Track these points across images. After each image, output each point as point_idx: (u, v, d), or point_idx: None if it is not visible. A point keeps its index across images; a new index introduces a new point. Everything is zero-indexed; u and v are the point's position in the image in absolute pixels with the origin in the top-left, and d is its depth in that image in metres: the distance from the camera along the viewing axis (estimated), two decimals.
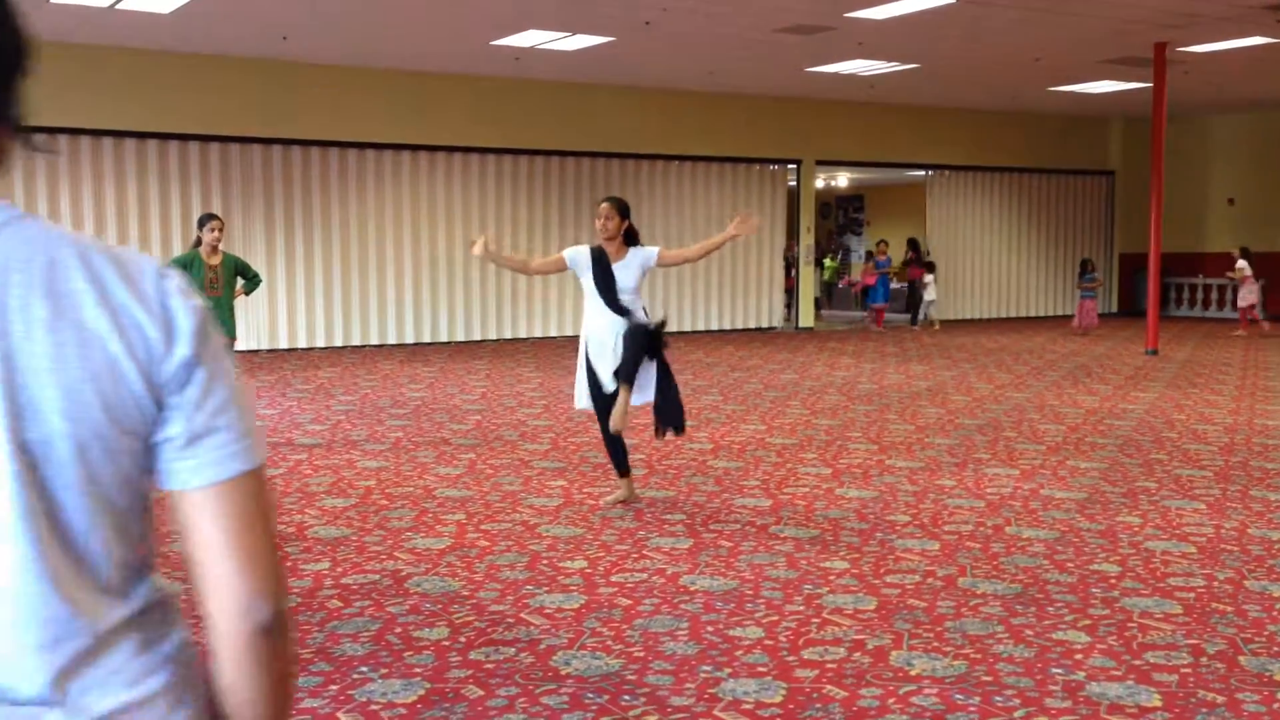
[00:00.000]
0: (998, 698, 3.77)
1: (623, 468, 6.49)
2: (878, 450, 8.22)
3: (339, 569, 5.24)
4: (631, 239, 6.44)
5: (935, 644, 4.30)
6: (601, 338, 6.31)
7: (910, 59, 14.83)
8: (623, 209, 6.38)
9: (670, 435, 6.50)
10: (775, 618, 4.61)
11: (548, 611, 4.67)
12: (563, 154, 16.81)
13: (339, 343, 15.17)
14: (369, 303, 15.46)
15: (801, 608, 4.73)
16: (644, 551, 5.56)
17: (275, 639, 1.09)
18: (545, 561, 5.37)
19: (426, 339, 15.80)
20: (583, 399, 6.43)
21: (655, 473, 7.36)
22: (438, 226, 15.91)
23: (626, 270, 6.34)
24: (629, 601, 4.79)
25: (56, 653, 1.00)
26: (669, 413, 6.39)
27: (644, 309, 6.43)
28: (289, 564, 5.29)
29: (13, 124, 1.05)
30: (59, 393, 0.99)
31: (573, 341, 16.20)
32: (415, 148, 15.63)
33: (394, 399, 10.52)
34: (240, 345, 13.82)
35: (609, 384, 6.27)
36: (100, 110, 13.34)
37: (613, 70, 15.29)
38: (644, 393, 6.33)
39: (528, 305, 16.68)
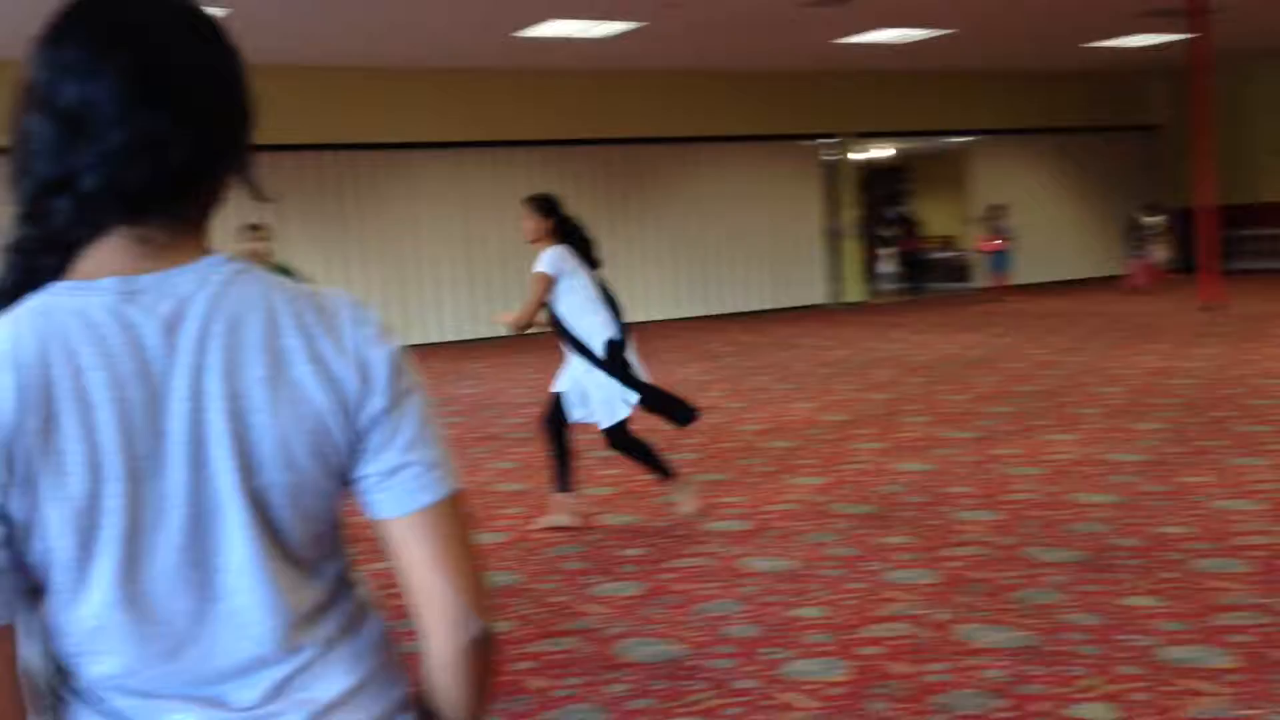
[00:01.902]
0: (1067, 668, 3.71)
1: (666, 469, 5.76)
2: (933, 422, 8.14)
3: None
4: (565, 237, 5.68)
5: (1000, 616, 4.25)
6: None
7: (944, 24, 14.64)
8: (543, 205, 5.71)
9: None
10: (836, 596, 4.58)
11: (607, 600, 4.67)
12: (598, 142, 16.79)
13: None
14: (418, 301, 15.56)
15: (862, 585, 4.69)
16: (701, 536, 5.54)
17: (485, 649, 1.18)
18: (603, 551, 5.38)
19: (468, 335, 15.87)
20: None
21: (710, 456, 7.34)
22: (480, 222, 15.95)
23: None
24: (688, 587, 4.78)
25: (285, 660, 1.12)
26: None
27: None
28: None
29: (244, 175, 1.16)
30: (277, 446, 1.09)
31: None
32: (455, 145, 15.68)
33: (447, 396, 10.58)
34: None
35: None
36: None
37: (643, 55, 15.24)
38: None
39: None
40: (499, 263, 16.07)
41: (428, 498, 1.15)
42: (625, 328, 5.72)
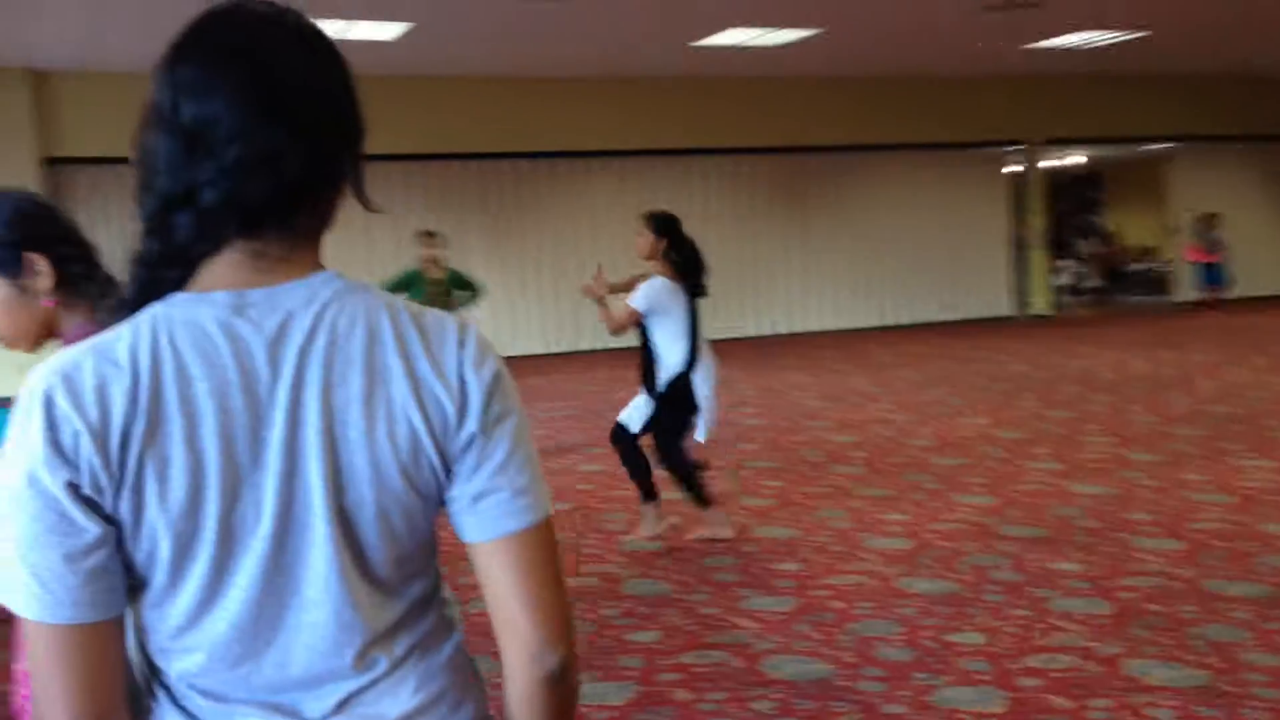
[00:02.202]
0: (1244, 710, 3.46)
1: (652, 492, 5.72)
2: (1117, 443, 7.75)
3: None
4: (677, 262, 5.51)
5: (1175, 651, 4.00)
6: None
7: (1138, 26, 13.97)
8: (659, 223, 5.54)
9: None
10: (997, 623, 4.39)
11: (759, 614, 4.60)
12: (772, 150, 16.66)
13: (556, 349, 15.50)
14: (580, 309, 15.71)
15: (1026, 612, 4.49)
16: (859, 553, 5.40)
17: (562, 684, 1.16)
18: (758, 564, 5.30)
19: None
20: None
21: (876, 471, 7.17)
22: None
23: None
24: (842, 605, 4.66)
25: (356, 675, 1.13)
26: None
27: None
28: None
29: (355, 187, 1.19)
30: (368, 464, 1.09)
31: (790, 340, 16.05)
32: (627, 153, 15.80)
33: (612, 403, 10.63)
34: None
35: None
36: None
37: (820, 62, 15.05)
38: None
39: (741, 304, 16.61)
40: None
41: (512, 524, 1.14)
42: (694, 365, 5.59)
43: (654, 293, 5.46)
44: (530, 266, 15.44)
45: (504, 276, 15.29)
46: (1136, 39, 14.64)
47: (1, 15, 10.08)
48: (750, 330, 16.62)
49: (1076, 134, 18.60)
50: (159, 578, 1.07)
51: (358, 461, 1.09)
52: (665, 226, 5.56)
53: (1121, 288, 21.70)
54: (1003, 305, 18.32)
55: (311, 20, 1.14)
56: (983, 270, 18.21)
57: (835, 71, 15.92)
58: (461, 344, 1.15)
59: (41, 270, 1.82)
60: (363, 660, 1.13)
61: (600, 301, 5.65)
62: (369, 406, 1.10)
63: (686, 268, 5.53)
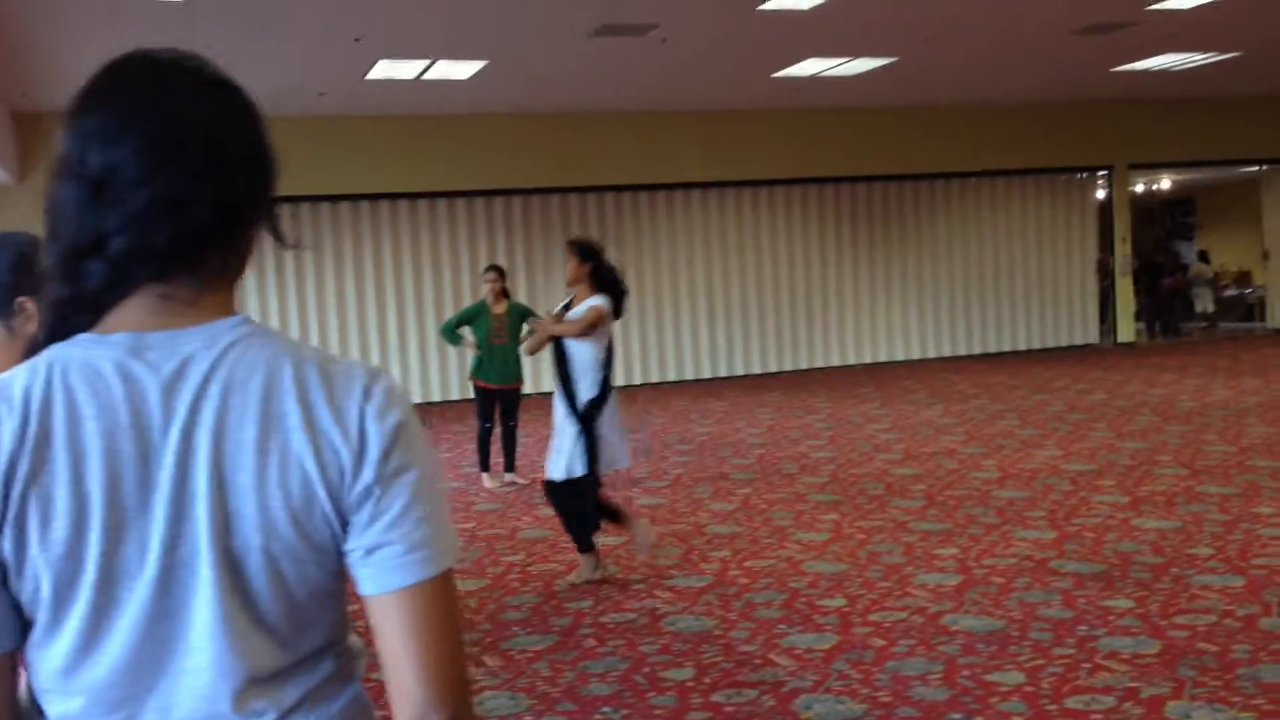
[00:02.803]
0: None
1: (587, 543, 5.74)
2: (1188, 475, 7.55)
3: (600, 607, 5.34)
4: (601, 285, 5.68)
5: (1222, 693, 3.89)
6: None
7: (1230, 47, 13.64)
8: (582, 250, 5.75)
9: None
10: (1041, 661, 4.31)
11: (797, 652, 4.57)
12: (853, 180, 16.58)
13: (637, 380, 15.56)
14: (664, 339, 15.78)
15: (1072, 651, 4.40)
16: (908, 589, 5.34)
17: None
18: (803, 599, 5.27)
19: (721, 373, 15.94)
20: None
21: (933, 504, 7.08)
22: (729, 261, 16.04)
23: None
24: (883, 642, 4.62)
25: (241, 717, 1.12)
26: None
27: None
28: (554, 603, 5.45)
29: (270, 226, 1.21)
30: (257, 510, 1.09)
31: (870, 370, 15.90)
32: (704, 185, 15.86)
33: (682, 435, 10.67)
34: (531, 387, 14.41)
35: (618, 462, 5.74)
36: (413, 174, 14.37)
37: (898, 91, 14.97)
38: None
39: (824, 335, 16.52)
40: (747, 301, 16.10)
41: (404, 579, 1.12)
42: (607, 396, 5.64)
43: (608, 309, 5.63)
44: None
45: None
46: (1228, 60, 14.30)
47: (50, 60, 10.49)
48: (833, 360, 16.51)
49: (1165, 158, 18.20)
50: (41, 617, 1.09)
51: (246, 508, 1.09)
52: (589, 253, 5.75)
53: (1212, 315, 21.05)
54: (1088, 333, 17.95)
55: (215, 66, 1.17)
56: (1068, 298, 17.87)
57: (915, 99, 15.81)
58: (367, 393, 1.14)
59: (30, 313, 1.90)
60: (246, 708, 1.11)
61: (549, 333, 5.77)
62: (261, 453, 1.09)
63: (611, 291, 5.69)
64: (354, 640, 1.23)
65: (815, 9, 10.23)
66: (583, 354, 5.63)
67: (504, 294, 8.50)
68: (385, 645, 1.13)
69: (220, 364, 1.12)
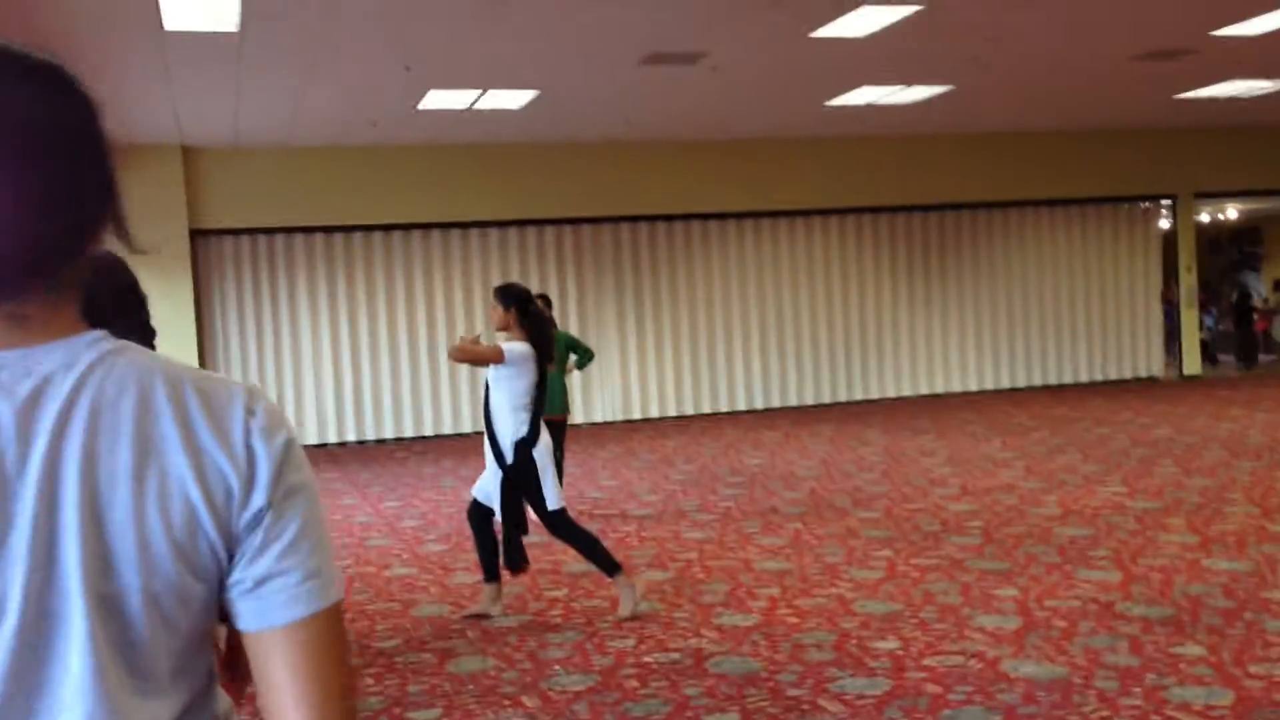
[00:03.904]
0: None
1: (493, 572, 5.82)
2: (1260, 515, 7.24)
3: (643, 646, 5.17)
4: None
5: None
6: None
7: None
8: (507, 296, 5.77)
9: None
10: (1106, 712, 4.07)
11: (847, 698, 4.37)
12: (909, 209, 16.35)
13: (689, 411, 15.39)
14: (716, 370, 15.60)
15: (1139, 701, 4.16)
16: (965, 631, 5.12)
17: None
18: (854, 641, 5.06)
19: (774, 404, 15.72)
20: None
21: (991, 542, 6.83)
22: (782, 291, 15.86)
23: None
24: (938, 689, 4.40)
25: None
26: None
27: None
28: (596, 640, 5.29)
29: (116, 228, 1.08)
30: (136, 547, 0.98)
31: (926, 402, 15.61)
32: (756, 215, 15.71)
33: (732, 467, 10.48)
34: (582, 418, 14.33)
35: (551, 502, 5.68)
36: (464, 204, 14.37)
37: (954, 119, 14.76)
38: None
39: (879, 366, 16.26)
40: (800, 331, 15.90)
41: (296, 611, 1.03)
42: (536, 436, 5.66)
43: (519, 352, 5.64)
44: (663, 329, 15.42)
45: (636, 339, 15.30)
46: None
47: (159, 95, 10.61)
48: (888, 392, 16.24)
49: (1231, 186, 17.79)
50: None
51: (124, 545, 0.97)
52: (514, 299, 5.77)
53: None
54: (1151, 365, 17.51)
55: (48, 56, 1.03)
56: (1131, 329, 17.46)
57: (973, 127, 15.59)
58: (250, 411, 1.04)
59: None
60: None
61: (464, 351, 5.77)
62: (139, 481, 0.98)
63: (537, 336, 5.72)
64: (220, 694, 1.11)
65: (869, 37, 10.08)
66: (499, 395, 5.66)
67: (551, 323, 8.39)
68: (271, 685, 1.03)
69: (85, 384, 0.99)
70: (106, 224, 1.06)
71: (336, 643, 1.05)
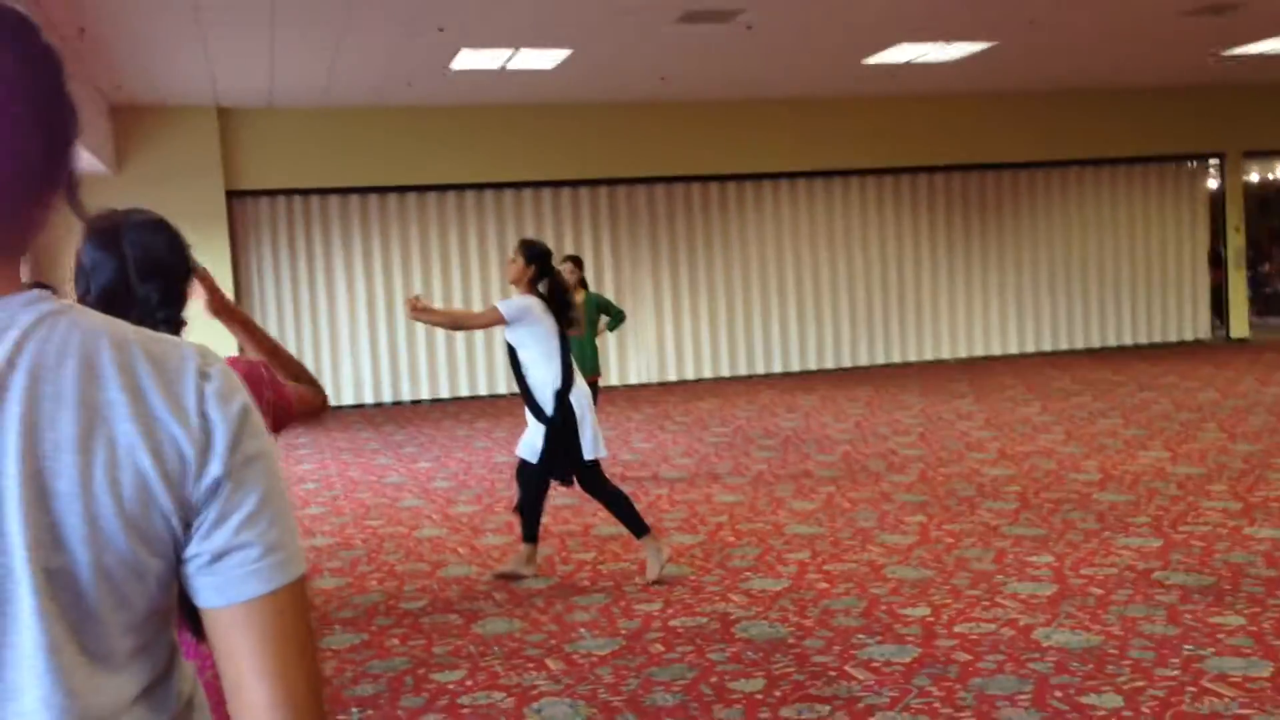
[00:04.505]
0: None
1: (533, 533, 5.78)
2: None
3: (669, 610, 5.12)
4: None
5: None
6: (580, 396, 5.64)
7: None
8: (530, 252, 5.62)
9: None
10: (1141, 683, 3.98)
11: (875, 665, 4.30)
12: (949, 169, 16.09)
13: (724, 373, 15.29)
14: (752, 332, 15.48)
15: (1176, 672, 4.06)
16: (997, 599, 5.03)
17: None
18: (884, 607, 4.98)
19: (811, 366, 15.59)
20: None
21: (1028, 508, 6.72)
22: (819, 252, 15.68)
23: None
24: (969, 657, 4.32)
25: None
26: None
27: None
28: (623, 604, 5.25)
29: (67, 193, 1.01)
30: (82, 520, 0.92)
31: (966, 365, 15.43)
32: (792, 175, 15.51)
33: (766, 430, 10.39)
34: (616, 380, 14.28)
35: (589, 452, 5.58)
36: (498, 164, 14.29)
37: (995, 76, 14.46)
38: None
39: (917, 328, 16.06)
40: (838, 293, 15.73)
41: (257, 587, 0.98)
42: (570, 384, 5.58)
43: (521, 303, 5.55)
44: (699, 291, 15.30)
45: (671, 301, 15.21)
46: None
47: (194, 57, 10.58)
48: (926, 355, 16.06)
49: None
50: None
51: (70, 518, 0.91)
52: (537, 256, 5.61)
53: None
54: (1198, 328, 17.20)
55: (15, 10, 0.97)
56: (1176, 291, 17.14)
57: (1015, 85, 15.28)
58: (204, 375, 0.98)
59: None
60: None
61: (425, 311, 5.62)
62: (84, 452, 0.92)
63: (551, 300, 5.61)
64: (186, 671, 1.06)
65: None
66: (525, 353, 5.58)
67: (582, 284, 8.33)
68: (231, 665, 0.99)
69: (23, 349, 0.93)
70: (52, 187, 0.99)
71: (300, 620, 1.01)
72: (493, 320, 5.63)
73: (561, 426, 5.54)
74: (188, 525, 0.97)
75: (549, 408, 5.53)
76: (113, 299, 2.07)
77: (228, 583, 0.98)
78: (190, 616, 1.03)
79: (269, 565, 0.99)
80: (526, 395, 5.62)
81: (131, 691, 0.98)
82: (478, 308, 14.27)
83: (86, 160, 11.31)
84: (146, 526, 0.95)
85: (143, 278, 2.10)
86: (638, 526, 5.58)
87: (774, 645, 4.58)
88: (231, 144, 13.30)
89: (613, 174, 14.77)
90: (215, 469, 0.97)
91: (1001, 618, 4.75)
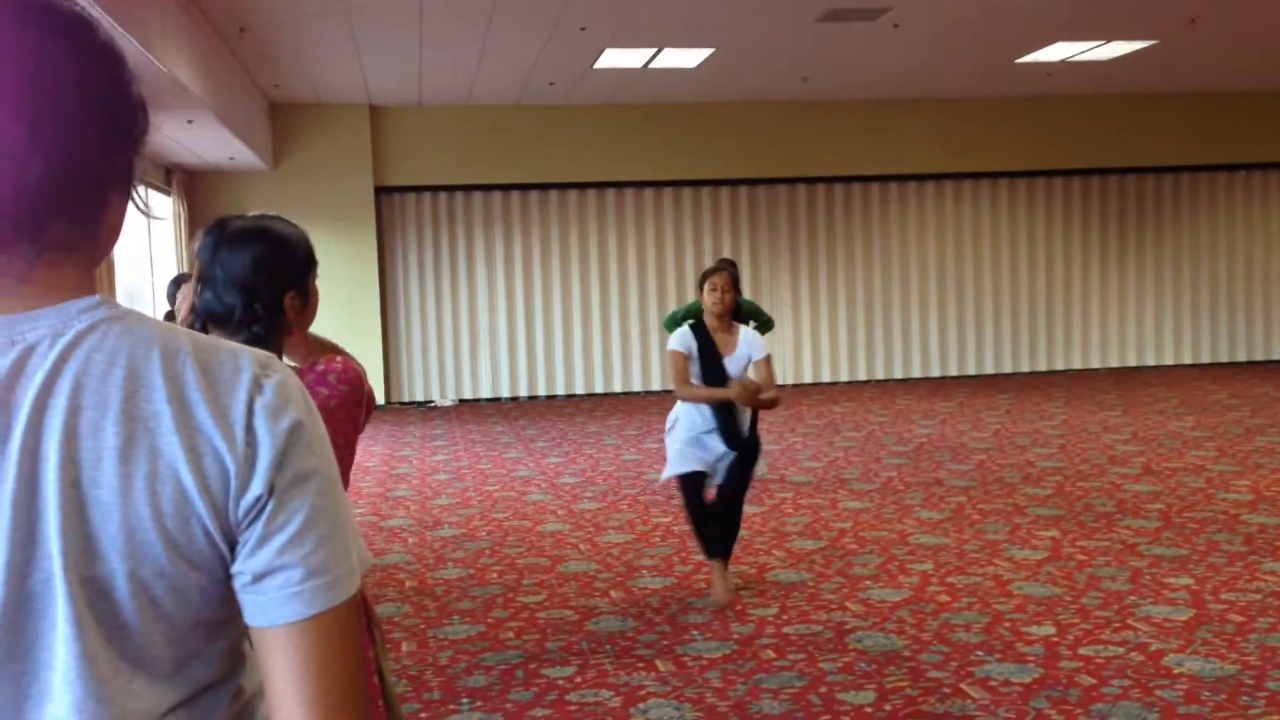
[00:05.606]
0: None
1: (716, 549, 5.35)
2: None
3: (784, 616, 5.06)
4: (738, 314, 5.43)
5: None
6: (701, 435, 5.32)
7: None
8: (736, 276, 5.34)
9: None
10: (1275, 716, 3.76)
11: (993, 684, 4.17)
12: (1102, 172, 15.51)
13: (861, 377, 15.06)
14: (891, 335, 15.20)
15: None
16: (1129, 621, 4.82)
17: None
18: (1007, 624, 4.83)
19: (952, 372, 15.23)
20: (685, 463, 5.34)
21: (1170, 526, 6.43)
22: (964, 256, 15.31)
23: (735, 365, 5.28)
24: (1092, 681, 4.15)
25: None
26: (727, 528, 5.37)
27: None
28: (738, 608, 5.20)
29: (130, 192, 1.02)
30: (121, 531, 0.92)
31: (1115, 375, 14.87)
32: (938, 177, 15.18)
33: (899, 436, 10.19)
34: (622, 387, 14.15)
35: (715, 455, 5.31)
36: (639, 163, 14.35)
37: (1154, 76, 13.87)
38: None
39: (1065, 335, 15.54)
40: (982, 298, 15.33)
41: (299, 610, 0.96)
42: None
43: (682, 339, 5.35)
44: (837, 293, 15.12)
45: (809, 303, 15.05)
46: None
47: (348, 55, 10.92)
48: (1074, 363, 15.53)
49: None
50: None
51: (109, 528, 0.91)
52: (738, 278, 5.52)
53: None
54: None
55: (73, 6, 0.97)
56: None
57: (1176, 85, 14.65)
58: (258, 386, 0.96)
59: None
60: None
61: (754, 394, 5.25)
62: (126, 463, 0.92)
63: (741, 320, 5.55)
64: (252, 677, 1.05)
65: None
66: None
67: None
68: (271, 685, 0.97)
69: (71, 355, 0.93)
70: (113, 186, 0.99)
71: (342, 646, 0.98)
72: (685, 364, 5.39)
73: (752, 451, 5.40)
74: (233, 541, 0.96)
75: (745, 430, 5.33)
76: (211, 313, 2.13)
77: (269, 604, 0.96)
78: None
79: (312, 589, 0.97)
80: (728, 416, 5.28)
81: (170, 700, 0.98)
82: (615, 306, 14.40)
83: (246, 156, 11.79)
84: (186, 541, 0.94)
85: (227, 294, 2.14)
86: (709, 548, 5.39)
87: (888, 657, 4.48)
88: (381, 141, 13.68)
89: (753, 174, 14.69)
90: (257, 487, 0.95)
91: (1131, 641, 4.56)
